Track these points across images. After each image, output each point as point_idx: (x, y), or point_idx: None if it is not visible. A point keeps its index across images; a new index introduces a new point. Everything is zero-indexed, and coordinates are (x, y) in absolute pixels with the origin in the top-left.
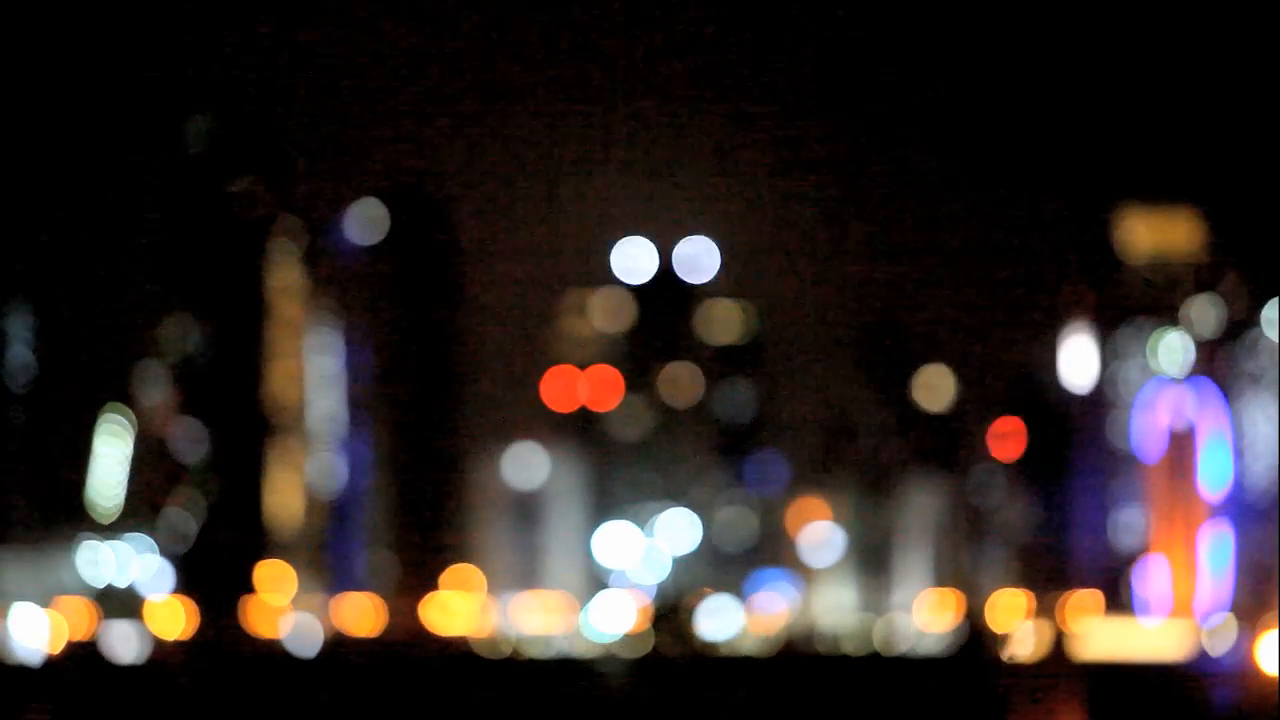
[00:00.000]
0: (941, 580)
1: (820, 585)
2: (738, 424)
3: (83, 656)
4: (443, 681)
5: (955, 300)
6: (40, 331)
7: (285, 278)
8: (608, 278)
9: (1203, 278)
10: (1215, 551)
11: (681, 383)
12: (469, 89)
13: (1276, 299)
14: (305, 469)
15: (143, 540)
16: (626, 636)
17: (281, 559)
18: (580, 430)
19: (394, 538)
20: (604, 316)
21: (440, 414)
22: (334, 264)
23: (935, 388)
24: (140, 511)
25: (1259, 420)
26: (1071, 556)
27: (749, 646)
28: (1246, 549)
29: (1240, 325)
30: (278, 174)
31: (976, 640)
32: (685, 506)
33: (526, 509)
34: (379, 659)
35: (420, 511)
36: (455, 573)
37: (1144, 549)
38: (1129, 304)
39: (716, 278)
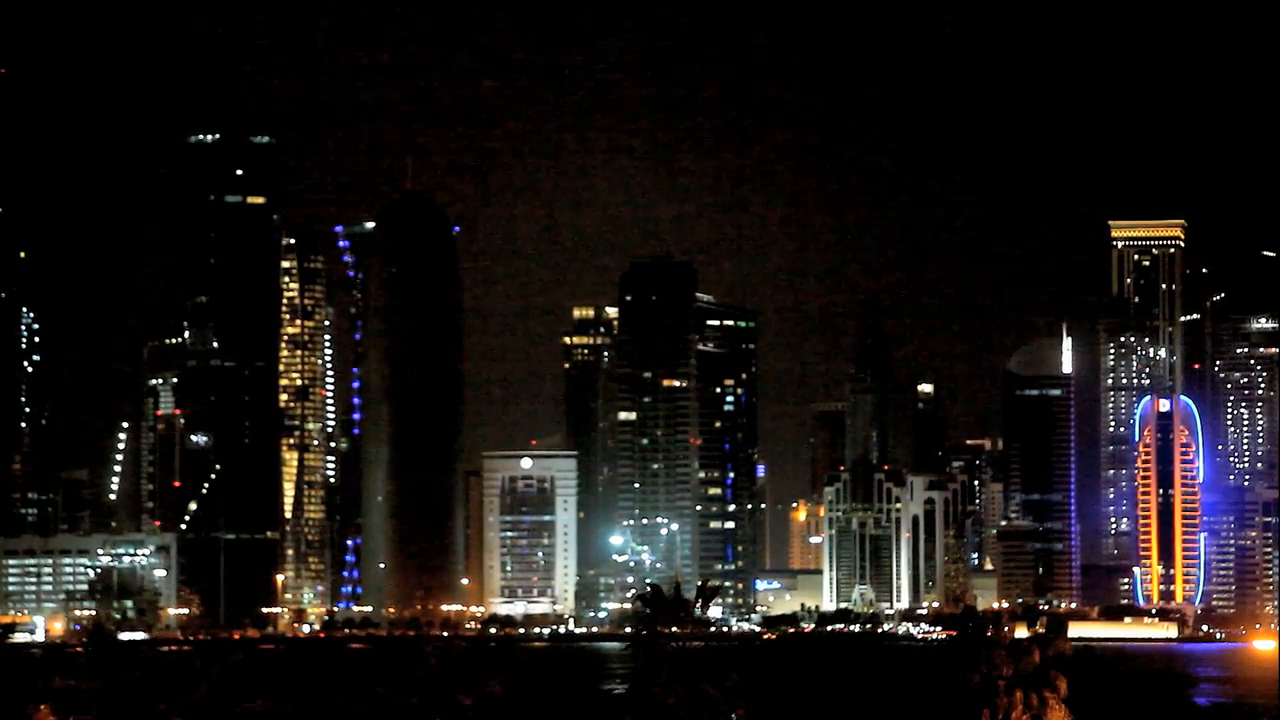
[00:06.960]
0: (934, 575)
1: (816, 580)
2: (735, 427)
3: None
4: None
5: (946, 309)
6: (55, 335)
7: (294, 287)
8: (608, 288)
9: (1191, 288)
10: (1203, 551)
11: (679, 389)
12: (471, 107)
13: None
14: (313, 470)
15: (153, 538)
16: (625, 628)
17: (289, 556)
18: (581, 434)
19: (399, 536)
20: (604, 325)
21: (444, 418)
22: (341, 274)
23: (926, 392)
24: (151, 510)
25: (1244, 426)
26: (1063, 554)
27: (748, 636)
28: (1232, 549)
29: (1228, 336)
30: (286, 187)
31: (969, 631)
32: (685, 506)
33: (528, 509)
34: (384, 651)
35: (424, 510)
36: (458, 569)
37: (1134, 548)
38: (1118, 313)
39: (713, 290)
